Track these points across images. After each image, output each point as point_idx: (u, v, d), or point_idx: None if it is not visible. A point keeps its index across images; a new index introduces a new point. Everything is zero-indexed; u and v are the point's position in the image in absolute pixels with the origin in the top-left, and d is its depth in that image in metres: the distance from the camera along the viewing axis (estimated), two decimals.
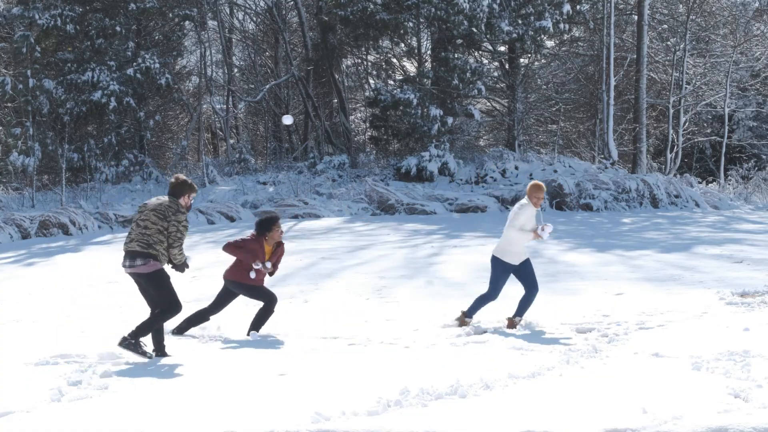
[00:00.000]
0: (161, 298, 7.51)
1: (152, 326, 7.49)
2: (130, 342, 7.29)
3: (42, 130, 26.45)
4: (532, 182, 8.75)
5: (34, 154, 24.87)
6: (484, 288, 11.30)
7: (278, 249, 8.81)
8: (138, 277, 7.57)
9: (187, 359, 7.40)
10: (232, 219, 21.90)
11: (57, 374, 6.66)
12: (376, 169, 28.19)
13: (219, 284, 9.11)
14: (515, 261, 8.68)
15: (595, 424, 4.95)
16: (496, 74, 31.44)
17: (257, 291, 8.68)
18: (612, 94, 27.44)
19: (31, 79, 25.12)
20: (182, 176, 7.79)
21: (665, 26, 32.26)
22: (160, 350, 7.62)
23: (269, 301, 8.67)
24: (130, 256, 7.50)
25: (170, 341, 8.37)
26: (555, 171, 25.34)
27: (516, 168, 26.12)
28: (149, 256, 7.43)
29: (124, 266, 7.58)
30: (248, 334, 8.51)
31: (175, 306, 7.53)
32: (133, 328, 7.42)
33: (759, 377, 6.00)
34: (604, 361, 6.90)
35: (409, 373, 6.51)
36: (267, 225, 8.70)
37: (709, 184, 29.29)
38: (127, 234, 7.73)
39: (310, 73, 30.95)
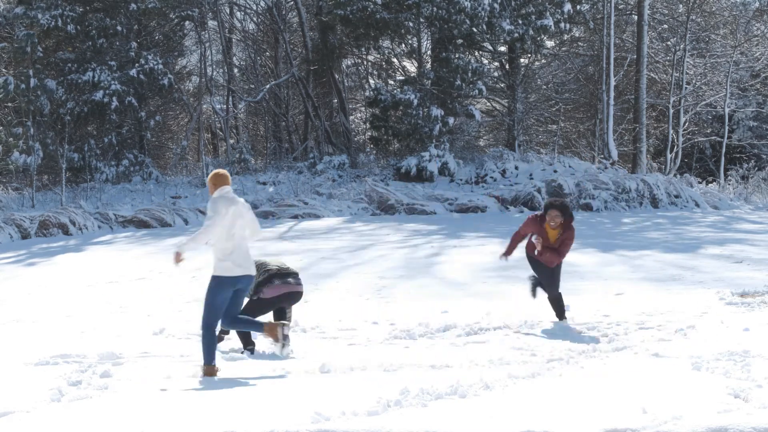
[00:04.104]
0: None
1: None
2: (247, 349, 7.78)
3: (42, 130, 26.43)
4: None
5: (35, 153, 24.87)
6: (484, 288, 11.34)
7: (564, 234, 8.73)
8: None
9: (187, 359, 7.40)
10: None
11: (57, 374, 6.65)
12: (376, 169, 28.17)
13: None
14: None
15: (595, 424, 4.95)
16: (496, 74, 31.41)
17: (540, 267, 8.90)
18: (612, 94, 27.43)
19: (32, 79, 25.11)
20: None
21: (665, 26, 32.25)
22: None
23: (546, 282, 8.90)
24: (295, 275, 8.10)
25: (168, 341, 8.37)
26: (555, 171, 25.33)
27: (516, 168, 26.10)
28: None
29: (299, 284, 8.03)
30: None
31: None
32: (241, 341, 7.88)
33: (759, 377, 6.00)
34: (604, 361, 6.90)
35: (409, 373, 6.50)
36: (544, 208, 8.90)
37: (709, 184, 29.25)
38: (264, 260, 8.19)
39: (310, 73, 30.93)
